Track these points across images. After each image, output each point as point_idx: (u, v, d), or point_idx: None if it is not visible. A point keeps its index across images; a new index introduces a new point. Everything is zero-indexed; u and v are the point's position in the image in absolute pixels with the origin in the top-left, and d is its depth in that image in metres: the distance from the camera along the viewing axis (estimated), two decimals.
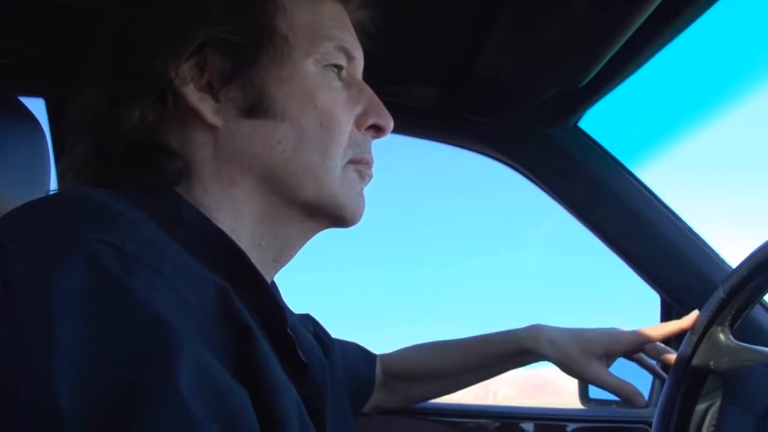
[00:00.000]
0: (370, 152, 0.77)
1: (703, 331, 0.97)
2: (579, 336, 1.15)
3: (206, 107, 0.68)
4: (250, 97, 0.69)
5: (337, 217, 0.74)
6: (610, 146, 1.42)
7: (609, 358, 1.15)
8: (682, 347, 0.99)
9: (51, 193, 0.80)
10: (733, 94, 1.39)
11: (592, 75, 1.16)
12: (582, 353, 1.13)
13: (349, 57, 0.76)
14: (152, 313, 0.51)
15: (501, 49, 1.13)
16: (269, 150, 0.69)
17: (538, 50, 1.13)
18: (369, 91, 0.77)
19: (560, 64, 1.17)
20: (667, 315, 1.45)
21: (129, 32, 0.69)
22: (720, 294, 0.97)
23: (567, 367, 1.14)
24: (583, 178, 1.40)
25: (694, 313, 1.04)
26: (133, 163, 0.68)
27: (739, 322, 0.97)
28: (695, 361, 0.97)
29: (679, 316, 1.39)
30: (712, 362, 0.96)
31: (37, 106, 1.31)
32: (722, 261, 1.38)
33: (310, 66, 0.72)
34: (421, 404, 1.34)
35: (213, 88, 0.69)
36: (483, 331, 1.22)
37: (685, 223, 1.40)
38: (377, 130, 0.77)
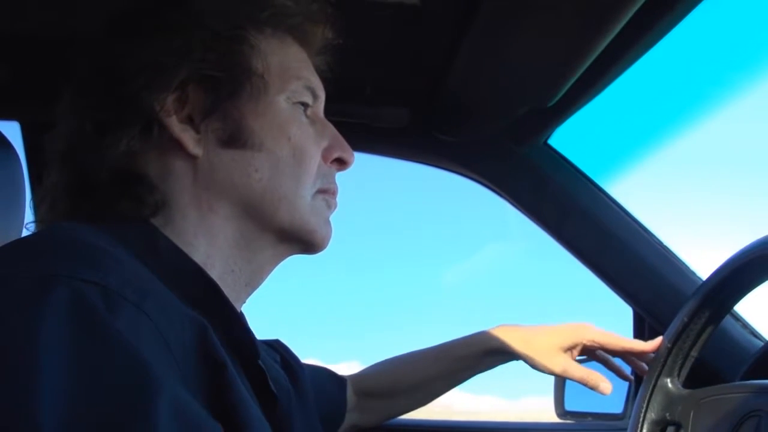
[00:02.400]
0: (335, 183, 0.82)
1: (653, 383, 1.00)
2: (543, 331, 1.17)
3: (188, 138, 0.71)
4: (229, 129, 0.73)
5: (307, 242, 0.79)
6: (580, 162, 1.45)
7: (573, 350, 1.16)
8: (637, 401, 1.02)
9: (30, 228, 0.81)
10: (699, 108, 1.42)
11: (560, 94, 1.18)
12: (546, 347, 1.15)
13: (315, 96, 0.81)
14: (133, 353, 0.51)
15: (470, 71, 1.15)
16: (247, 178, 0.73)
17: (507, 71, 1.15)
18: (332, 128, 0.83)
19: (529, 84, 1.18)
20: (639, 327, 1.48)
21: (118, 64, 0.71)
22: (666, 344, 1.01)
23: (535, 361, 1.16)
24: (553, 195, 1.42)
25: (658, 339, 1.06)
26: (113, 193, 0.70)
27: (687, 368, 1.01)
28: (650, 415, 0.99)
29: (651, 329, 1.43)
30: (667, 414, 0.99)
31: (11, 130, 1.31)
32: (692, 273, 1.40)
33: (282, 102, 0.77)
34: (403, 421, 1.34)
35: (193, 120, 0.72)
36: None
37: (655, 237, 1.42)
38: (341, 164, 0.83)
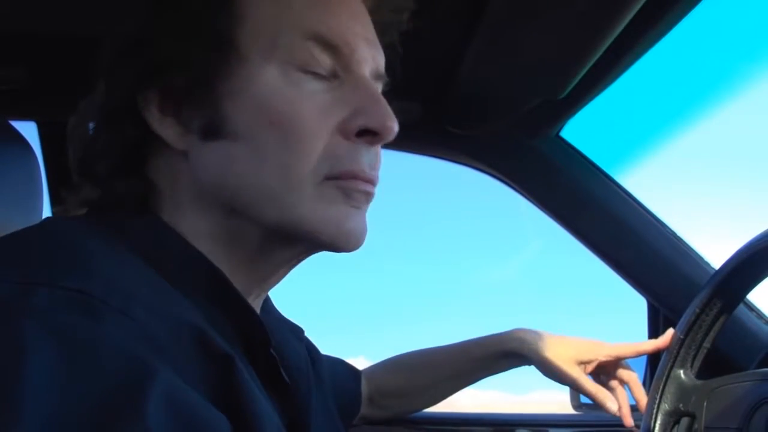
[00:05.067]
0: (360, 163, 0.65)
1: (666, 375, 1.01)
2: (561, 341, 1.17)
3: (169, 133, 0.64)
4: (206, 117, 0.63)
5: (310, 241, 0.65)
6: (593, 154, 1.45)
7: (588, 365, 1.16)
8: (650, 393, 1.02)
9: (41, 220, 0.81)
10: (713, 99, 1.42)
11: (572, 86, 1.18)
12: (562, 357, 1.15)
13: (332, 46, 0.64)
14: (118, 354, 0.49)
15: (481, 63, 1.16)
16: (228, 173, 0.63)
17: (518, 63, 1.15)
18: (366, 88, 0.66)
19: (540, 76, 1.19)
20: (654, 318, 1.47)
21: (110, 61, 0.68)
22: (678, 335, 1.01)
23: (548, 369, 1.16)
24: (566, 187, 1.43)
25: (669, 332, 1.06)
26: (114, 184, 0.67)
27: (699, 359, 1.01)
28: (664, 406, 1.00)
29: (665, 319, 1.42)
30: (681, 405, 0.99)
31: (29, 130, 1.32)
32: (706, 263, 1.40)
33: (270, 71, 0.63)
34: (414, 414, 1.35)
35: (179, 114, 0.64)
36: (472, 334, 1.23)
37: (668, 228, 1.42)
38: (372, 135, 0.65)
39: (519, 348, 1.17)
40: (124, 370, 0.48)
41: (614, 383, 1.17)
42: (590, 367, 1.16)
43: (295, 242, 0.66)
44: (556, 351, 1.15)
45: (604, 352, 1.16)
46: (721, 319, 0.99)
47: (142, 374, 0.48)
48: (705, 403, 0.96)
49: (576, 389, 1.17)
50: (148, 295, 0.55)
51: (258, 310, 0.72)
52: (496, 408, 1.60)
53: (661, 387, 1.00)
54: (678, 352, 1.00)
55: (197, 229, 0.65)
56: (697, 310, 0.99)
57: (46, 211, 0.94)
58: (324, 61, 0.64)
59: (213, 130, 0.63)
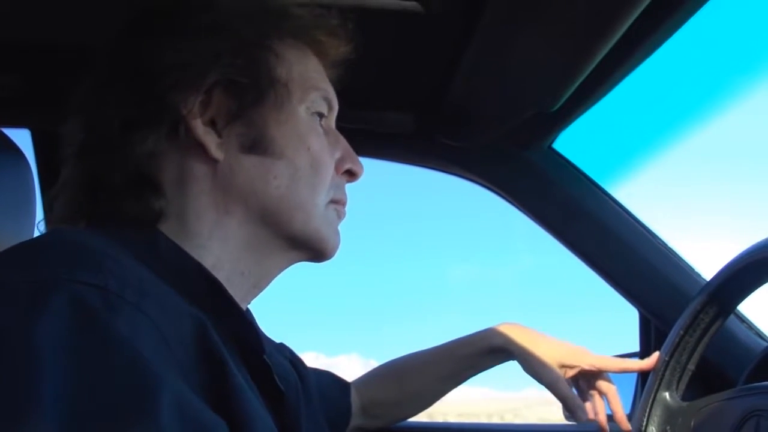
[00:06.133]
0: (345, 194, 0.84)
1: (653, 398, 1.02)
2: (546, 341, 1.18)
3: (210, 141, 0.73)
4: (252, 135, 0.74)
5: (318, 250, 0.80)
6: (585, 166, 1.46)
7: (570, 369, 1.17)
8: (636, 416, 1.03)
9: (41, 228, 0.83)
10: (704, 111, 1.43)
11: (564, 98, 1.18)
12: (546, 356, 1.15)
13: (330, 107, 0.83)
14: (134, 354, 0.52)
15: (473, 76, 1.16)
16: (266, 184, 0.75)
17: (511, 76, 1.16)
18: (343, 140, 0.84)
19: (533, 88, 1.19)
20: (645, 329, 1.48)
21: (148, 63, 0.72)
22: (663, 357, 1.02)
23: (529, 366, 1.16)
24: (558, 199, 1.43)
25: (654, 356, 1.07)
26: (122, 195, 0.71)
27: (684, 381, 1.02)
28: (651, 429, 1.01)
29: (657, 330, 1.43)
30: (668, 427, 1.00)
31: (22, 138, 1.32)
32: (697, 274, 1.41)
33: (302, 112, 0.78)
34: (408, 424, 1.35)
35: (216, 124, 0.73)
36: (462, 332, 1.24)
37: (659, 239, 1.43)
38: (351, 175, 0.84)
39: (503, 343, 1.18)
40: (137, 370, 0.51)
41: (593, 392, 1.18)
42: (571, 372, 1.17)
43: (304, 249, 0.80)
44: (540, 349, 1.16)
45: (588, 360, 1.16)
46: (705, 340, 1.00)
47: (154, 377, 0.51)
48: (692, 424, 0.96)
49: (551, 391, 1.16)
50: (156, 292, 0.60)
51: None
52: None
53: (647, 410, 1.01)
54: (663, 374, 1.01)
55: (212, 230, 0.73)
56: (681, 332, 1.00)
57: (39, 219, 0.94)
58: (324, 110, 0.81)
59: (257, 147, 0.74)
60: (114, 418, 0.49)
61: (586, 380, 1.19)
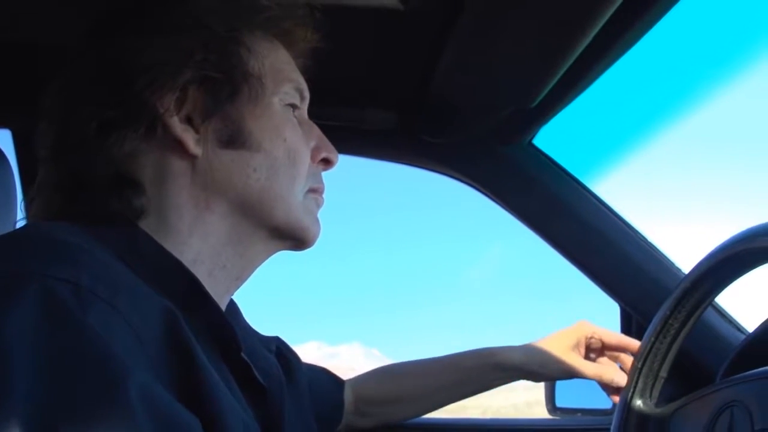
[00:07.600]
0: (322, 182, 0.85)
1: (627, 406, 1.03)
2: (547, 339, 1.21)
3: (188, 138, 0.73)
4: (229, 129, 0.75)
5: (299, 239, 0.81)
6: (565, 161, 1.46)
7: (580, 347, 1.21)
8: (613, 426, 1.04)
9: (14, 228, 0.81)
10: (684, 105, 1.44)
11: (544, 94, 1.19)
12: (557, 351, 1.18)
13: (302, 97, 0.84)
14: (104, 349, 0.52)
15: (453, 72, 1.16)
16: (245, 178, 0.75)
17: (490, 72, 1.16)
18: (317, 128, 0.85)
19: (512, 84, 1.20)
20: (627, 323, 1.49)
21: (123, 63, 0.72)
22: (636, 365, 1.04)
23: (547, 369, 1.19)
24: (539, 194, 1.44)
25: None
26: (101, 194, 0.71)
27: (657, 388, 1.03)
28: None
29: (638, 324, 1.44)
30: None
31: (2, 138, 1.31)
32: (677, 269, 1.42)
33: (276, 104, 0.79)
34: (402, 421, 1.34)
35: (192, 120, 0.74)
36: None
37: (639, 233, 1.44)
38: (326, 163, 0.86)
39: (508, 358, 1.20)
40: (107, 362, 0.52)
41: (603, 360, 1.23)
42: (582, 349, 1.21)
43: (286, 239, 0.81)
44: (548, 349, 1.19)
45: (588, 331, 1.21)
46: (675, 346, 1.01)
47: (123, 368, 0.52)
48: (669, 427, 0.98)
49: (581, 376, 1.19)
50: (129, 288, 0.60)
51: (224, 309, 0.79)
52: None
53: (622, 420, 1.03)
54: (636, 383, 1.02)
55: (193, 226, 0.74)
56: (653, 339, 1.02)
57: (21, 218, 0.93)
58: (296, 101, 0.82)
59: (234, 141, 0.75)
60: (84, 411, 0.49)
61: (596, 353, 1.23)
